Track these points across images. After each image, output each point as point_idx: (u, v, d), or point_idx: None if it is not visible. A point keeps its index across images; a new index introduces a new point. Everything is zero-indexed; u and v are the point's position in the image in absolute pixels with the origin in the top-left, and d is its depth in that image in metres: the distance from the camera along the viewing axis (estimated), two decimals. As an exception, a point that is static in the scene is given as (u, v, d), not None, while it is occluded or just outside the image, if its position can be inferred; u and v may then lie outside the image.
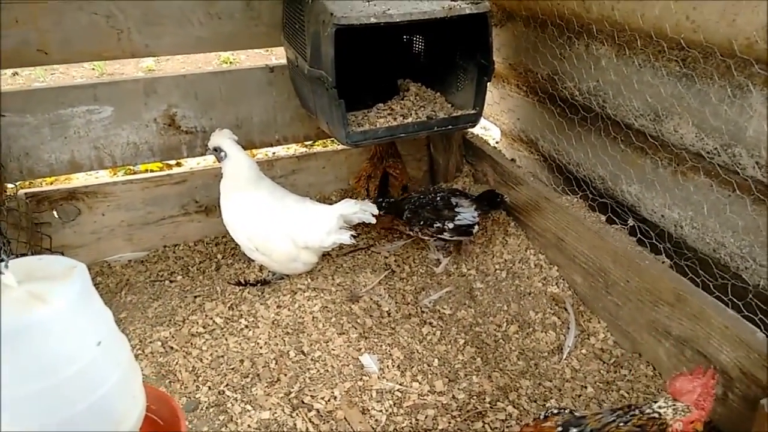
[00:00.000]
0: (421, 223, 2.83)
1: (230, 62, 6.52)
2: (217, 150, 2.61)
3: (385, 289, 2.75)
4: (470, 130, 3.35)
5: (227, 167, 2.62)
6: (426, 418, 2.10)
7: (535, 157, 3.35)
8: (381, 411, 2.12)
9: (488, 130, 4.71)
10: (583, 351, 2.39)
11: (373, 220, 2.65)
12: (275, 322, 2.50)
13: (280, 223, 2.60)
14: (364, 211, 2.61)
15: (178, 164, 3.84)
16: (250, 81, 2.97)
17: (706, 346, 1.99)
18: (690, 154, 2.21)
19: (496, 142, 3.79)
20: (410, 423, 2.08)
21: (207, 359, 2.33)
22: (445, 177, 3.44)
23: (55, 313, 1.13)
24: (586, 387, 2.22)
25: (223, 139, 2.59)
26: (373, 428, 2.06)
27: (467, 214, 2.82)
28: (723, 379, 1.95)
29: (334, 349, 2.36)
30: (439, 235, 2.83)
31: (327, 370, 2.28)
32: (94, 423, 1.21)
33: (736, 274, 2.12)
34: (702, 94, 2.11)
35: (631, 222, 2.49)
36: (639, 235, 2.41)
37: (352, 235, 2.63)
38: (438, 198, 2.89)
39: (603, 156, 2.67)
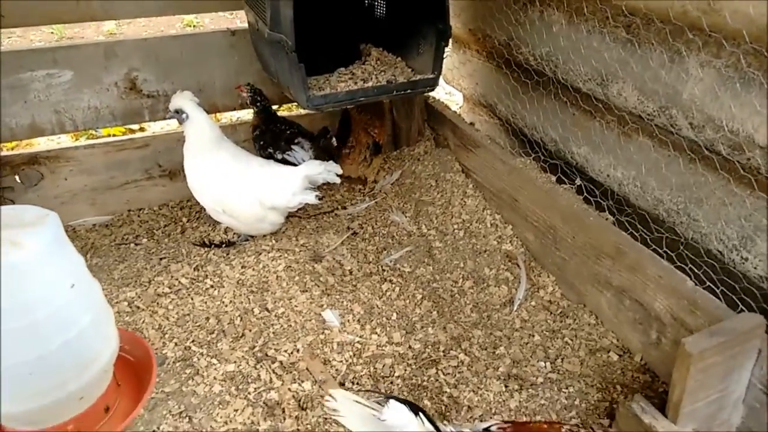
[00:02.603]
0: (261, 143, 2.95)
1: (194, 26, 6.42)
2: (178, 112, 2.64)
3: (347, 249, 2.85)
4: (432, 95, 3.43)
5: (189, 129, 2.65)
6: (384, 366, 2.23)
7: (494, 122, 3.46)
8: (341, 361, 2.24)
9: (452, 96, 4.79)
10: (533, 303, 2.54)
11: (338, 180, 2.73)
12: (240, 281, 2.59)
13: (246, 184, 2.66)
14: (328, 171, 2.69)
15: (142, 129, 3.84)
16: (212, 45, 2.99)
17: (643, 295, 2.15)
18: (632, 116, 2.34)
19: (459, 107, 3.88)
20: (369, 371, 2.21)
21: (173, 317, 2.41)
22: (408, 141, 3.52)
23: (31, 256, 1.20)
24: (533, 335, 2.37)
25: (184, 100, 2.62)
26: (333, 377, 2.18)
27: (300, 155, 2.90)
28: (657, 325, 2.12)
29: (297, 306, 2.46)
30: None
31: (290, 325, 2.38)
32: (69, 360, 1.30)
33: (671, 228, 2.27)
34: (643, 60, 2.22)
35: (578, 182, 2.62)
36: (585, 194, 2.55)
37: (317, 196, 2.71)
38: (288, 131, 2.97)
39: (554, 119, 2.79)
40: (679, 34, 2.06)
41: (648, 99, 2.22)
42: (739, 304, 1.99)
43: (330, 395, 1.56)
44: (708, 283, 2.07)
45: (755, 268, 2.02)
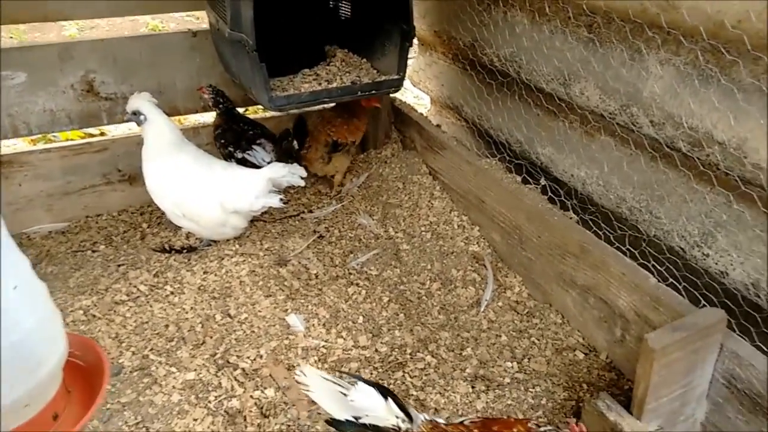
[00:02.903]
0: (222, 141, 2.89)
1: (159, 30, 6.30)
2: (136, 114, 2.56)
3: (313, 252, 2.80)
4: (398, 97, 3.42)
5: (148, 132, 2.58)
6: (349, 370, 2.18)
7: (461, 124, 3.45)
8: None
9: (421, 100, 4.79)
10: (500, 303, 2.53)
11: (302, 183, 2.69)
12: (201, 287, 2.52)
13: (207, 187, 2.60)
14: (292, 174, 2.64)
15: (103, 134, 3.74)
16: (172, 46, 2.92)
17: (607, 293, 2.15)
18: (595, 115, 2.35)
19: (427, 110, 3.87)
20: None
21: (131, 326, 2.33)
22: (375, 143, 3.50)
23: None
24: (500, 336, 2.35)
25: (141, 101, 2.54)
26: (298, 383, 2.12)
27: (260, 155, 2.85)
28: (621, 323, 2.12)
29: (260, 311, 2.40)
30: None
31: (253, 331, 2.32)
32: (13, 364, 1.23)
33: (634, 225, 2.28)
34: (605, 58, 2.24)
35: (543, 182, 2.63)
36: (550, 194, 2.55)
37: (281, 199, 2.66)
38: (251, 132, 2.91)
39: (519, 120, 2.79)
40: (639, 32, 2.08)
41: (609, 98, 2.24)
42: (702, 299, 2.00)
43: (301, 371, 1.53)
44: (671, 280, 2.08)
45: (716, 264, 2.04)
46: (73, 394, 1.54)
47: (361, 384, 1.46)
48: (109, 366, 1.56)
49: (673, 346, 1.70)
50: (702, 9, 1.81)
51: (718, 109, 1.84)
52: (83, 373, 1.56)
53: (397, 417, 1.48)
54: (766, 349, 1.80)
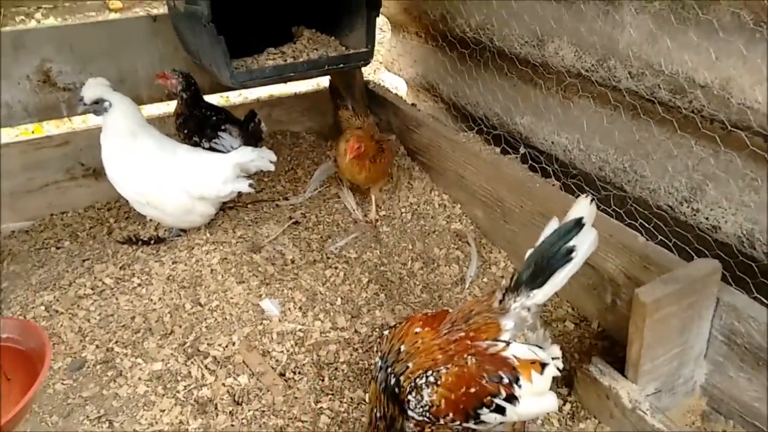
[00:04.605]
0: (185, 131, 2.73)
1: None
2: (98, 102, 2.40)
3: (289, 238, 2.67)
4: (373, 80, 3.33)
5: (111, 118, 2.42)
6: (327, 353, 2.06)
7: (438, 105, 3.36)
8: (282, 351, 2.07)
9: (398, 90, 4.69)
10: (485, 280, 2.42)
11: (272, 167, 2.57)
12: (170, 277, 2.39)
13: (172, 174, 2.47)
14: (261, 158, 2.52)
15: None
16: (132, 32, 2.81)
17: (594, 257, 1.99)
18: (571, 75, 2.25)
19: (404, 96, 3.77)
20: (312, 359, 2.04)
21: (95, 319, 2.20)
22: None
23: None
24: (486, 311, 2.23)
25: (102, 88, 2.40)
26: (273, 368, 2.00)
27: (228, 142, 2.70)
28: (611, 288, 2.01)
29: (232, 298, 2.28)
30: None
31: (225, 318, 2.19)
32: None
33: (619, 186, 2.18)
34: (578, 13, 2.15)
35: (522, 150, 2.53)
36: (531, 162, 2.45)
37: (250, 184, 2.54)
38: (214, 118, 2.75)
39: (496, 89, 2.69)
40: (612, -19, 1.99)
41: (585, 53, 2.14)
42: (694, 255, 1.89)
43: None
44: (660, 238, 1.98)
45: (706, 218, 1.94)
46: (14, 382, 1.41)
47: None
48: (51, 349, 1.43)
49: (666, 300, 1.59)
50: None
51: (699, 50, 1.74)
52: (26, 359, 1.43)
53: None
54: (765, 301, 1.69)
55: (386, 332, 1.60)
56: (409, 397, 1.44)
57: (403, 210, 2.86)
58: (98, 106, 2.41)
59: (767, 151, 1.68)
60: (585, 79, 2.18)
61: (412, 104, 3.22)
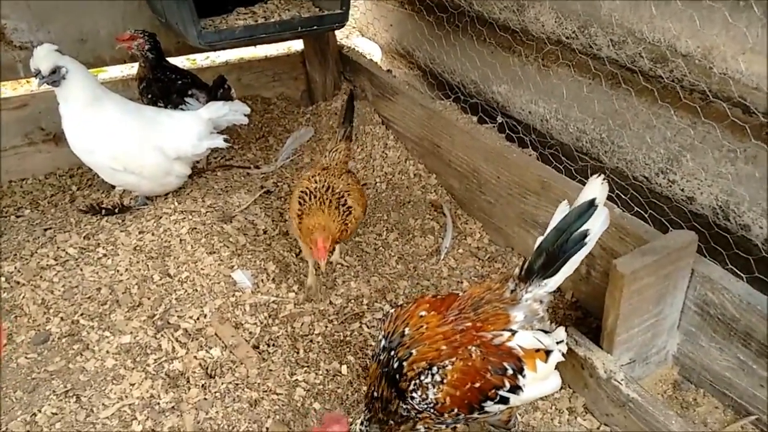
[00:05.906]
0: (149, 96, 2.62)
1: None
2: (55, 71, 2.21)
3: (261, 208, 2.61)
4: (346, 44, 3.23)
5: (69, 87, 2.27)
6: (302, 325, 2.02)
7: (414, 73, 3.29)
8: (255, 323, 2.02)
9: (372, 56, 4.59)
10: (460, 251, 2.40)
11: (246, 120, 2.49)
12: (137, 247, 2.31)
13: (146, 136, 2.36)
14: (234, 111, 2.44)
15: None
16: (93, -12, 2.65)
17: (570, 228, 2.03)
18: (551, 42, 2.21)
19: (379, 62, 3.68)
20: (286, 331, 2.00)
21: (59, 291, 2.12)
22: (324, 95, 3.30)
23: None
24: (461, 282, 2.23)
25: (56, 55, 2.21)
26: (246, 340, 1.96)
27: (196, 108, 2.58)
28: (586, 258, 2.00)
29: (203, 269, 2.21)
30: None
31: (196, 290, 2.13)
32: None
33: (595, 157, 2.17)
34: (560, -22, 2.09)
35: (499, 119, 2.49)
36: (507, 131, 2.42)
37: (225, 139, 2.46)
38: (180, 82, 2.64)
39: (474, 56, 2.63)
40: (596, -54, 1.94)
41: (566, 19, 2.10)
42: (669, 226, 1.90)
43: None
44: (636, 209, 1.98)
45: (682, 190, 1.94)
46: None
47: None
48: (5, 335, 1.35)
49: (644, 271, 1.59)
50: None
51: (682, 17, 1.71)
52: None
53: None
54: (739, 273, 1.71)
55: (391, 311, 1.54)
56: (414, 394, 1.40)
57: (377, 180, 2.81)
58: (55, 75, 2.23)
59: (747, 122, 1.68)
60: (565, 46, 2.14)
61: (388, 71, 3.15)
